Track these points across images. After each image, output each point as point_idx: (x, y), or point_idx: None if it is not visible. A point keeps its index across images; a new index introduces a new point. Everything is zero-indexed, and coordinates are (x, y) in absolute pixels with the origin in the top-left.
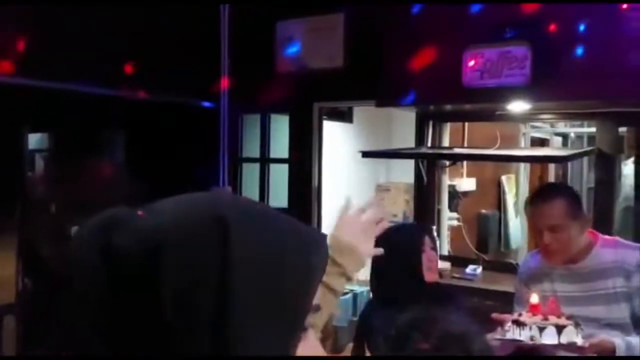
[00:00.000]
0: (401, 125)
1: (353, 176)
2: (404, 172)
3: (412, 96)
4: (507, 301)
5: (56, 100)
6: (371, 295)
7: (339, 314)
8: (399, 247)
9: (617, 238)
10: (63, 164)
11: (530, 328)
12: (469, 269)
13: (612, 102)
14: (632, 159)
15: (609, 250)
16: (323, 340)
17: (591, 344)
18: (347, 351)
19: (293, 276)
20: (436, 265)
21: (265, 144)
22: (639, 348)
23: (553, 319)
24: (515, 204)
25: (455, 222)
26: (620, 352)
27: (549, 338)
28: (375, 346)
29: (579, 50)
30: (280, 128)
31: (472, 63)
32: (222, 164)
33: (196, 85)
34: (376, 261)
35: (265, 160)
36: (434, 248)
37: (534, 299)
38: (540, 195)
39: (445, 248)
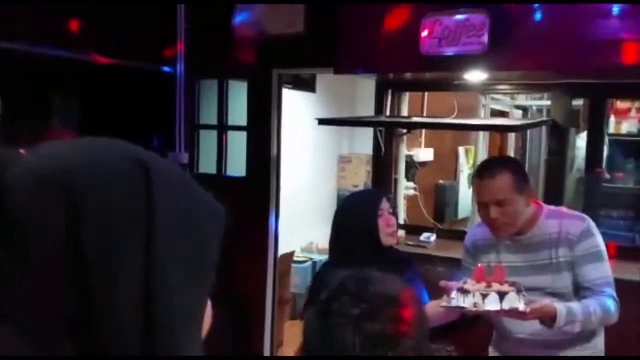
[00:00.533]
0: (365, 96)
1: (315, 147)
2: (367, 143)
3: (369, 64)
4: (459, 267)
5: (5, 62)
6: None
7: (298, 281)
8: (357, 209)
9: (562, 208)
10: (13, 129)
11: (474, 295)
12: (423, 236)
13: (566, 74)
14: (586, 132)
15: (553, 221)
16: (281, 307)
17: (533, 309)
18: None
19: (205, 227)
20: (394, 229)
21: (222, 111)
22: (580, 313)
23: (496, 285)
24: (470, 174)
25: (412, 192)
26: (562, 316)
27: (492, 304)
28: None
29: (537, 20)
30: (239, 95)
31: (429, 31)
32: (179, 131)
33: (153, 49)
34: (336, 222)
35: (223, 128)
36: (393, 213)
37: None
38: (486, 170)
39: (401, 217)
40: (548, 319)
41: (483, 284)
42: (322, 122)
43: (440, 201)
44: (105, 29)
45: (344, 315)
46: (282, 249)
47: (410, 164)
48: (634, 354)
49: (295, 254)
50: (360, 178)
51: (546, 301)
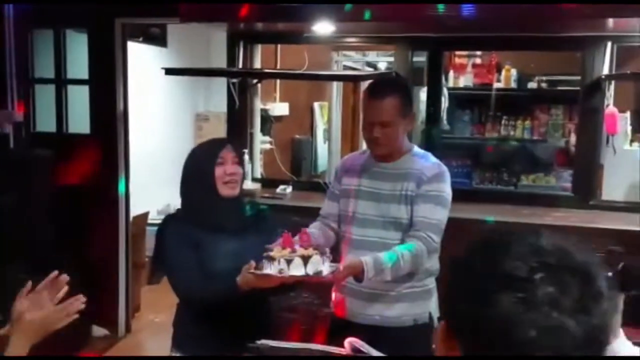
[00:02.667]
0: (218, 51)
1: (169, 104)
2: (224, 101)
3: (214, 11)
4: (314, 216)
5: None
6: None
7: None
8: (197, 158)
9: (429, 153)
10: None
11: (279, 262)
12: (279, 188)
13: (406, 27)
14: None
15: (418, 159)
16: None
17: (339, 271)
18: (165, 281)
19: None
20: (234, 179)
21: (60, 64)
22: (387, 261)
23: (300, 250)
24: (326, 130)
25: (268, 146)
26: (369, 268)
27: (296, 270)
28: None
29: None
30: (80, 47)
31: None
32: (10, 85)
33: None
34: (182, 174)
35: (61, 82)
36: (238, 163)
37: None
38: (376, 91)
39: (257, 171)
40: (358, 273)
41: (288, 250)
42: (169, 72)
43: (297, 155)
44: None
45: None
46: (137, 211)
47: (266, 118)
48: None
49: (152, 217)
50: (219, 136)
51: (350, 258)
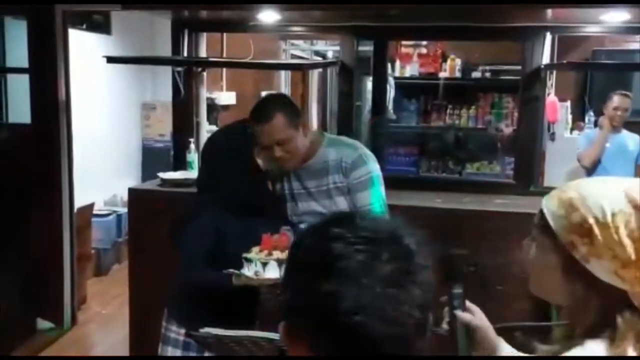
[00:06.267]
0: (164, 40)
1: (116, 93)
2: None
3: None
4: None
5: None
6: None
7: (102, 235)
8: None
9: (341, 137)
10: None
11: (255, 264)
12: None
13: (351, 16)
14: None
15: (331, 149)
16: (82, 263)
17: None
18: (112, 273)
19: None
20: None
21: None
22: None
23: (277, 253)
24: None
25: None
26: None
27: (272, 272)
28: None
29: None
30: (19, 34)
31: None
32: None
33: None
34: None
35: (0, 70)
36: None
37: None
38: (260, 115)
39: None
40: None
41: (265, 252)
42: (111, 60)
43: None
44: None
45: None
46: (82, 202)
47: (213, 107)
48: None
49: (98, 208)
50: (166, 126)
51: None
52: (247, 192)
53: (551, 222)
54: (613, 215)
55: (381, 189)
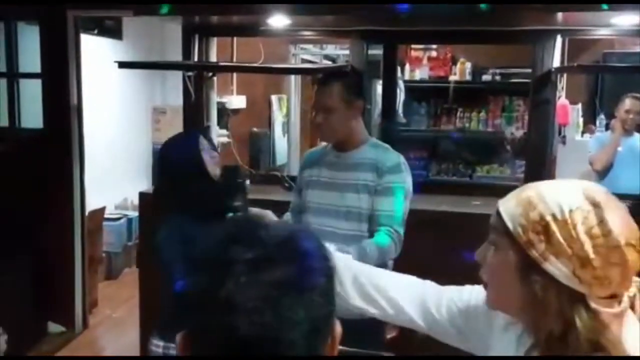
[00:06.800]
0: (174, 45)
1: (126, 98)
2: (181, 95)
3: (169, 5)
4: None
5: None
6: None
7: (113, 238)
8: (183, 151)
9: (387, 145)
10: None
11: None
12: None
13: (361, 20)
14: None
15: (374, 149)
16: (93, 266)
17: None
18: (123, 276)
19: None
20: (217, 160)
21: (12, 57)
22: (356, 254)
23: None
24: (285, 123)
25: (225, 139)
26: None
27: None
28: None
29: None
30: (32, 39)
31: None
32: None
33: None
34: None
35: (13, 75)
36: (213, 149)
37: None
38: (323, 79)
39: None
40: None
41: None
42: (122, 65)
43: (255, 148)
44: None
45: None
46: (93, 206)
47: (223, 111)
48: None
49: (109, 212)
50: (176, 130)
51: None
52: (203, 198)
53: (508, 223)
54: (571, 212)
55: (406, 202)
